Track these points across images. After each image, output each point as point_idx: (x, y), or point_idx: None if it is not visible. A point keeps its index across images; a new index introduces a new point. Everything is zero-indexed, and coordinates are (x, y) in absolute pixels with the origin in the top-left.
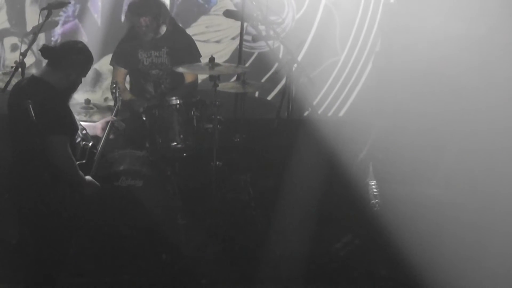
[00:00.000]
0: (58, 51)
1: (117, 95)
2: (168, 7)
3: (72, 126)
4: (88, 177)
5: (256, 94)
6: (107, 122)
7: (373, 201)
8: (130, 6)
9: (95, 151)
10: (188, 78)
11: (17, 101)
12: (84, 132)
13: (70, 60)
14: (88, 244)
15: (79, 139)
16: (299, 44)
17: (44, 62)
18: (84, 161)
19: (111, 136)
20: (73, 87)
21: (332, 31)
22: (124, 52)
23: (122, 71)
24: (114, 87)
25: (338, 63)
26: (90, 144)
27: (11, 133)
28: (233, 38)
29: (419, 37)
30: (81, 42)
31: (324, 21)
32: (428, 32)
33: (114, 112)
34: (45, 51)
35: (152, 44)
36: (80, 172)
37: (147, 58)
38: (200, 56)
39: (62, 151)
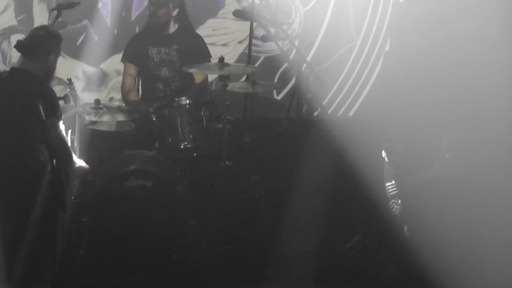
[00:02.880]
0: (30, 41)
1: (74, 91)
2: None
3: (59, 108)
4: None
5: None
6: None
7: (392, 201)
8: None
9: (74, 137)
10: (198, 78)
11: (1, 93)
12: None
13: (43, 46)
14: (97, 244)
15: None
16: (308, 44)
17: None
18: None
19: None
20: (52, 70)
21: (346, 17)
22: (135, 48)
23: (132, 68)
24: (69, 83)
25: (355, 49)
26: (70, 131)
27: None
28: (240, 42)
29: (429, 37)
30: (46, 25)
31: (337, 7)
32: (438, 32)
33: (77, 105)
34: (19, 45)
35: (162, 40)
36: (73, 154)
37: (157, 54)
38: (210, 56)
39: (56, 133)
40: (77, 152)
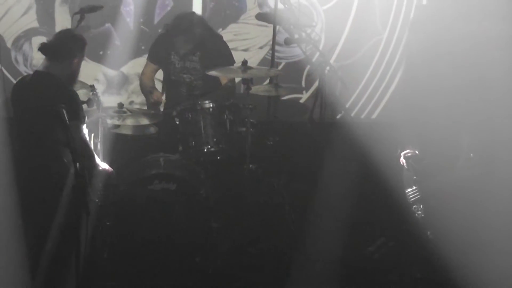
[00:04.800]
0: (55, 45)
1: (97, 97)
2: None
3: (83, 112)
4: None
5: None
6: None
7: (414, 207)
8: (170, 26)
9: (97, 140)
10: (224, 80)
11: (25, 96)
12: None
13: (68, 50)
14: (121, 248)
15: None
16: (331, 47)
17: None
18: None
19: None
20: (76, 74)
21: (372, 10)
22: (158, 50)
23: (152, 66)
24: (92, 89)
25: (382, 42)
26: (93, 134)
27: (19, 127)
28: (261, 47)
29: (453, 39)
30: (71, 29)
31: (362, 1)
32: (462, 33)
33: (100, 109)
34: (44, 48)
35: (185, 50)
36: (96, 156)
37: (179, 61)
38: (234, 62)
39: (79, 136)
40: (101, 156)
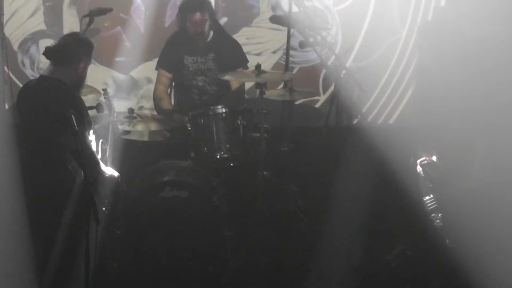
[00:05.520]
0: (60, 49)
1: (109, 101)
2: None
3: (88, 118)
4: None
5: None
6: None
7: (432, 215)
8: (184, 3)
9: (106, 147)
10: (234, 85)
11: (31, 102)
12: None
13: (73, 54)
14: (132, 257)
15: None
16: (347, 49)
17: None
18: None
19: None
20: (82, 79)
21: (389, 8)
22: (170, 55)
23: (166, 75)
24: (104, 93)
25: (400, 41)
26: (101, 140)
27: (25, 133)
28: (274, 52)
29: (471, 41)
30: (77, 32)
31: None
32: (479, 36)
33: (111, 114)
34: (48, 52)
35: (198, 49)
36: (101, 163)
37: (193, 63)
38: (247, 61)
39: (84, 143)
40: (109, 162)
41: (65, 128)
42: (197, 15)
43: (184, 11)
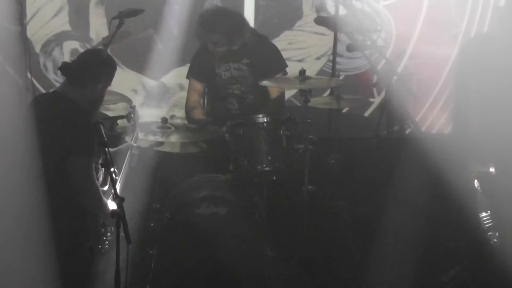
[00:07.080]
0: (78, 67)
1: (135, 119)
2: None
3: (95, 146)
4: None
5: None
6: (128, 148)
7: (490, 233)
8: (200, 20)
9: (117, 178)
10: (274, 93)
11: (39, 120)
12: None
13: (93, 74)
14: (165, 278)
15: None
16: (399, 54)
17: None
18: (105, 188)
19: (132, 164)
20: (98, 101)
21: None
22: (200, 64)
23: (198, 85)
24: (132, 110)
25: (459, 36)
26: (112, 169)
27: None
28: (318, 58)
29: None
30: (100, 50)
31: None
32: None
33: (133, 139)
34: (65, 69)
35: (229, 56)
36: (104, 199)
37: (225, 71)
38: (286, 66)
39: (83, 174)
40: (119, 189)
41: (65, 153)
42: (215, 37)
43: (200, 27)
